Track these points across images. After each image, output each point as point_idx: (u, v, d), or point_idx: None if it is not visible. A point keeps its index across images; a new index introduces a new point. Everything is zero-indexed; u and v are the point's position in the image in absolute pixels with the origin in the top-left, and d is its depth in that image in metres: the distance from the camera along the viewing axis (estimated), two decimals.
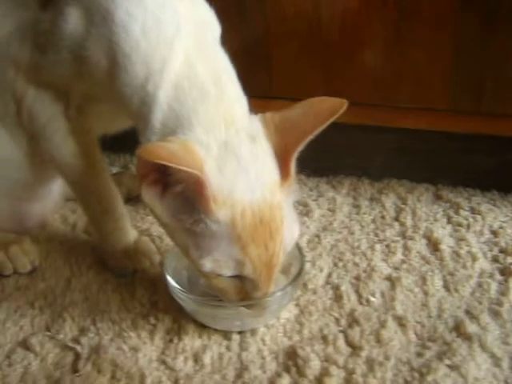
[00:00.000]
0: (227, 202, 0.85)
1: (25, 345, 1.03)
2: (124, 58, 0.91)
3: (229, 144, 0.88)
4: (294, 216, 0.94)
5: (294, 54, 1.30)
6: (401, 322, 1.02)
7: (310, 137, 0.89)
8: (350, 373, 0.94)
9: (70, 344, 1.02)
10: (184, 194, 0.86)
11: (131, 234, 1.17)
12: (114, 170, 1.47)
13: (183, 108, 0.89)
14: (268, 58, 1.32)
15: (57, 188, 1.27)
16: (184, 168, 0.81)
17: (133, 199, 1.35)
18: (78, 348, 1.01)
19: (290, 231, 0.93)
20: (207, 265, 0.89)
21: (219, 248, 0.88)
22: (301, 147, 0.89)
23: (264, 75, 1.33)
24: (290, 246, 0.94)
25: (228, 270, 0.90)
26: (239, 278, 0.92)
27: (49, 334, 1.04)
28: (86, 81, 0.97)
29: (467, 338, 0.98)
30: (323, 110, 0.89)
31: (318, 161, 1.32)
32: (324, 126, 0.89)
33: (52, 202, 1.28)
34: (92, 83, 0.97)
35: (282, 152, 0.90)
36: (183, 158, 0.82)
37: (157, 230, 1.25)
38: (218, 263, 0.89)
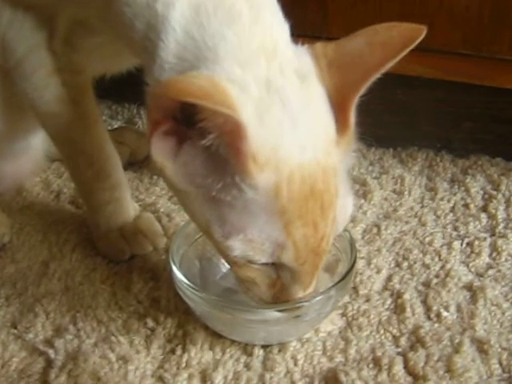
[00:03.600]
0: (271, 162, 0.82)
1: None
2: None
3: (272, 83, 0.84)
4: (347, 186, 0.92)
5: None
6: (481, 346, 1.00)
7: (376, 75, 0.86)
8: None
9: (41, 347, 1.02)
10: (210, 150, 0.83)
11: (131, 209, 1.17)
12: (116, 124, 1.47)
13: (205, 34, 0.85)
14: None
15: (38, 143, 1.27)
16: (221, 109, 0.77)
17: (136, 163, 1.35)
18: (51, 353, 1.00)
19: (344, 207, 0.91)
20: (236, 247, 0.86)
21: (254, 224, 0.85)
22: (363, 89, 0.86)
23: (316, 9, 1.32)
24: (342, 227, 0.93)
25: (262, 256, 0.87)
26: (276, 266, 0.91)
27: (15, 331, 1.05)
28: (75, 0, 0.96)
29: None
30: (393, 37, 0.86)
31: (383, 127, 1.32)
32: (395, 60, 0.86)
33: (31, 161, 1.28)
34: (83, 3, 0.95)
35: (339, 96, 0.86)
36: (217, 96, 0.78)
37: (165, 204, 1.25)
38: (251, 245, 0.86)
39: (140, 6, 0.88)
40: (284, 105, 0.83)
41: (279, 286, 0.93)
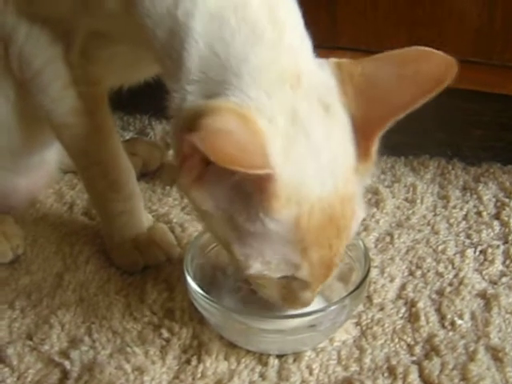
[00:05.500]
0: (293, 199, 0.84)
1: None
2: None
3: (297, 114, 0.84)
4: (360, 202, 0.93)
5: None
6: (496, 354, 1.00)
7: (405, 112, 0.85)
8: None
9: (57, 358, 1.02)
10: (235, 181, 0.84)
11: (144, 220, 1.17)
12: (128, 135, 1.47)
13: (229, 52, 0.85)
14: None
15: (52, 156, 1.27)
16: (256, 172, 0.78)
17: (149, 174, 1.35)
18: (67, 364, 1.00)
19: (357, 222, 0.92)
20: (255, 267, 0.88)
21: (273, 249, 0.87)
22: (390, 123, 0.86)
23: (326, 20, 1.32)
24: (352, 237, 0.95)
25: (278, 273, 0.90)
26: (288, 276, 0.92)
27: (30, 343, 1.04)
28: (93, 13, 0.96)
29: None
30: (424, 74, 0.85)
31: (395, 135, 1.26)
32: (426, 100, 0.85)
33: (45, 173, 1.28)
34: (101, 16, 0.96)
35: (364, 127, 0.87)
36: (253, 154, 0.78)
37: (178, 215, 1.25)
38: (269, 265, 0.88)
39: (160, 15, 0.88)
40: (308, 137, 0.84)
41: (289, 290, 0.94)
